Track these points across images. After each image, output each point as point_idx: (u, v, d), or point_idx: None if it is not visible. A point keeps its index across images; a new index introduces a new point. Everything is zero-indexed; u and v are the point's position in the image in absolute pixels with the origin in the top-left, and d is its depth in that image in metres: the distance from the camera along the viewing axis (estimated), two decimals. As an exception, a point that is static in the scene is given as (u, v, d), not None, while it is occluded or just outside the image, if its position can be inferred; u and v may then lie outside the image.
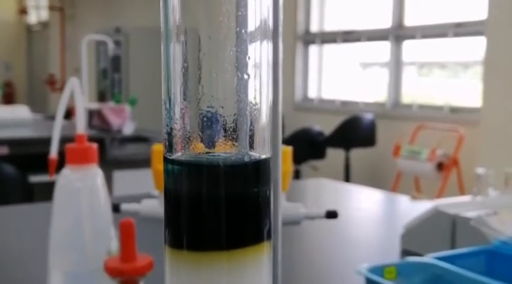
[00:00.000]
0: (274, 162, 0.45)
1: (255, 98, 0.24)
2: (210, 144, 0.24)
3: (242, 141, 0.24)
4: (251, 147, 0.25)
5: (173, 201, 0.24)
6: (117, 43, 5.35)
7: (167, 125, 0.24)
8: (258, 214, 0.24)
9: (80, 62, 3.15)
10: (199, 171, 0.24)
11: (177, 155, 0.25)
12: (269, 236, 0.25)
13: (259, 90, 0.25)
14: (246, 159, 0.24)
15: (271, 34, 0.25)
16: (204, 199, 0.24)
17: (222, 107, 0.24)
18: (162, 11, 0.24)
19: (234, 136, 0.24)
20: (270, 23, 0.25)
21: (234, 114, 0.24)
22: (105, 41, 3.48)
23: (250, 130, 0.24)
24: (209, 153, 0.24)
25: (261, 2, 0.25)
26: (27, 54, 10.34)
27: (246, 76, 0.24)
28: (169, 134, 0.24)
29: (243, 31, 0.24)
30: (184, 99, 0.24)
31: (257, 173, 0.25)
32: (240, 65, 0.24)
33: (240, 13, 0.24)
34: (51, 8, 8.93)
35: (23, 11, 9.81)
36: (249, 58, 0.24)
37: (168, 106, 0.24)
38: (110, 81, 5.94)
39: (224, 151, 0.24)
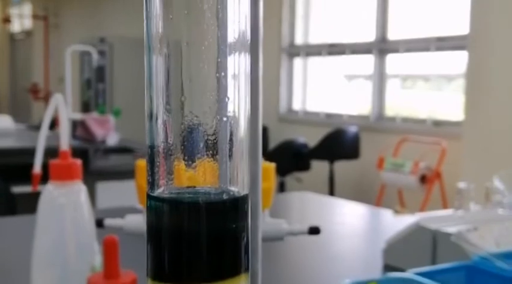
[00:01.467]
0: (254, 179, 0.45)
1: (233, 115, 0.25)
2: (190, 162, 0.25)
3: (222, 173, 0.25)
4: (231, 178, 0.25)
5: (155, 235, 0.25)
6: (102, 53, 5.34)
7: (151, 164, 0.25)
8: (236, 249, 0.25)
9: (63, 71, 3.14)
10: (180, 208, 0.25)
11: (159, 191, 0.25)
12: (247, 269, 0.26)
13: (237, 108, 0.26)
14: (225, 196, 0.25)
15: (248, 47, 0.26)
16: (184, 235, 0.25)
17: (202, 125, 0.25)
18: (145, 22, 0.25)
19: (213, 152, 0.25)
20: (248, 35, 0.26)
21: (213, 134, 0.25)
22: (89, 51, 3.47)
23: (230, 150, 0.25)
24: (190, 186, 0.26)
25: (239, 14, 0.25)
26: (10, 63, 10.27)
27: (226, 100, 0.25)
28: (153, 172, 0.26)
29: (223, 50, 0.25)
30: (166, 119, 0.25)
31: (235, 210, 0.26)
32: (221, 87, 0.25)
33: (220, 33, 0.25)
34: (35, 16, 8.88)
35: (6, 20, 9.75)
36: (229, 76, 0.25)
37: (150, 124, 0.25)
38: (94, 92, 5.91)
39: (204, 169, 0.25)
